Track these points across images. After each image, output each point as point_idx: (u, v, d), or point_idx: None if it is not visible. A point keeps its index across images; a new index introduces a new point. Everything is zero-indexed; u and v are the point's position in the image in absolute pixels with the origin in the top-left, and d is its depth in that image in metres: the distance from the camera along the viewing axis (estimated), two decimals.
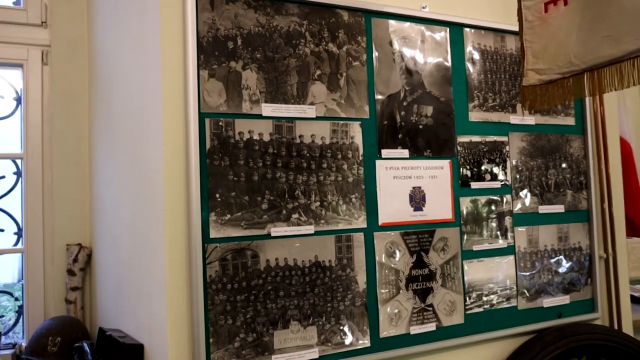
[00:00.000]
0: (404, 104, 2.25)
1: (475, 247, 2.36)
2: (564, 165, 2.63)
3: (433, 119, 2.31)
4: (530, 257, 2.49)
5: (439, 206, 2.29)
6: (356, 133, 2.14)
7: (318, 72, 2.09)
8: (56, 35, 2.82)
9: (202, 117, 1.88)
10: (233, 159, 1.91)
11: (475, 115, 2.41)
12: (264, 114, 1.98)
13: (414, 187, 2.24)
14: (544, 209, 2.55)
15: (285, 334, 1.94)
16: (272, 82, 2.01)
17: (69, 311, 2.65)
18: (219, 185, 1.88)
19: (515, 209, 2.47)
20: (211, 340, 1.82)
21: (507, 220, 2.46)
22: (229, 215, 1.88)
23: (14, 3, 2.86)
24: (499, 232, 2.43)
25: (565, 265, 2.58)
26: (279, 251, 1.96)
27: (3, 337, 2.60)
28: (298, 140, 2.03)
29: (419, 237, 2.23)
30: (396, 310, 2.15)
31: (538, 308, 2.49)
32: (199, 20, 1.90)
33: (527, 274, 2.48)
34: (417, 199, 2.24)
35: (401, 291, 2.17)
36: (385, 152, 2.19)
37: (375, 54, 2.21)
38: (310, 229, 2.01)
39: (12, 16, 2.79)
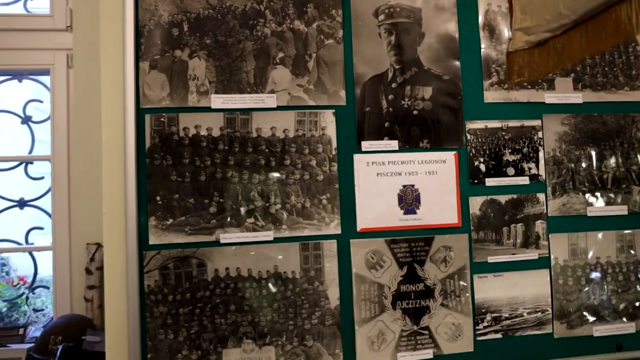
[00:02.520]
0: (393, 85, 1.88)
1: (491, 259, 1.90)
2: (628, 154, 2.03)
3: (433, 103, 1.90)
4: (574, 271, 1.96)
5: (440, 208, 1.88)
6: (328, 123, 1.83)
7: (280, 54, 1.82)
8: (79, 39, 2.88)
9: (141, 113, 1.72)
10: (176, 158, 1.73)
11: (493, 95, 1.95)
12: (214, 106, 1.76)
13: (404, 186, 1.86)
14: (595, 210, 1.99)
15: (236, 354, 1.72)
16: (225, 70, 1.79)
17: (87, 309, 2.69)
18: (160, 187, 1.71)
19: (551, 211, 1.96)
20: (149, 355, 1.67)
21: (539, 225, 1.95)
22: (171, 220, 1.71)
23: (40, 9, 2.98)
24: (527, 240, 1.94)
25: (629, 283, 1.99)
26: (230, 260, 1.74)
27: (31, 331, 2.73)
28: (255, 134, 1.78)
29: (411, 245, 1.85)
30: (379, 333, 1.81)
31: (585, 337, 1.95)
32: (139, 7, 1.74)
33: (569, 293, 1.95)
34: (409, 200, 1.86)
35: (386, 310, 1.82)
36: (366, 145, 1.84)
37: (354, 28, 1.87)
38: (268, 235, 1.76)
39: (41, 23, 2.91)
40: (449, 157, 1.90)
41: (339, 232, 1.81)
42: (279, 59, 1.82)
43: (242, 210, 1.76)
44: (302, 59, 1.83)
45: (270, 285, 1.76)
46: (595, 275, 1.97)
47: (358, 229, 1.82)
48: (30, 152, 3.02)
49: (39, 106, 3.07)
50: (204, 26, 1.78)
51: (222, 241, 1.73)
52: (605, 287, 1.98)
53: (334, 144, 1.83)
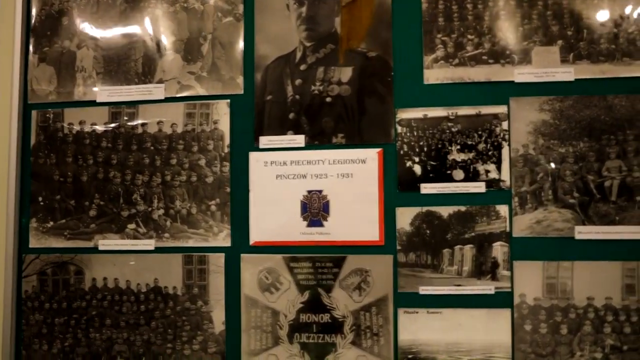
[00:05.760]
0: (301, 67, 1.53)
1: (425, 290, 1.45)
2: None
3: (352, 87, 1.51)
4: (551, 315, 1.41)
5: (355, 221, 1.48)
6: (221, 116, 1.55)
7: (172, 38, 1.59)
8: None
9: (28, 108, 1.64)
10: (60, 156, 1.61)
11: (437, 75, 1.48)
12: (99, 99, 1.61)
13: (309, 192, 1.51)
14: (589, 232, 1.40)
15: None
16: (113, 59, 1.62)
17: None
18: (44, 188, 1.61)
19: (518, 230, 1.43)
20: None
21: (498, 249, 1.44)
22: (51, 223, 1.60)
23: None
24: (479, 268, 1.44)
25: None
26: (109, 269, 1.58)
27: None
28: (140, 130, 1.59)
29: (315, 265, 1.49)
30: None
31: None
32: None
33: (541, 345, 1.41)
34: (315, 209, 1.50)
35: (281, 342, 1.49)
36: (264, 141, 1.53)
37: (257, 1, 1.56)
38: (149, 243, 1.56)
39: None
40: (371, 155, 1.49)
41: (229, 244, 1.53)
42: (170, 43, 1.59)
43: (124, 214, 1.57)
44: (195, 41, 1.58)
45: (149, 300, 1.55)
46: (585, 322, 1.40)
47: (251, 242, 1.52)
48: None
49: None
50: (92, 13, 1.63)
51: (100, 248, 1.57)
52: (603, 341, 1.39)
53: (227, 141, 1.55)
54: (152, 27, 1.60)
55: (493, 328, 1.43)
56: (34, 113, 1.63)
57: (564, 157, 1.42)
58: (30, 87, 1.64)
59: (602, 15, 1.44)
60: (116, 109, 1.60)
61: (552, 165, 1.42)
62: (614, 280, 1.40)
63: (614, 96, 1.41)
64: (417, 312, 1.45)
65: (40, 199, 1.61)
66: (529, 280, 1.42)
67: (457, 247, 1.45)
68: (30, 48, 1.65)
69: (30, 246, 1.60)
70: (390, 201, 1.47)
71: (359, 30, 1.50)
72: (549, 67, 1.44)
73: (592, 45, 1.43)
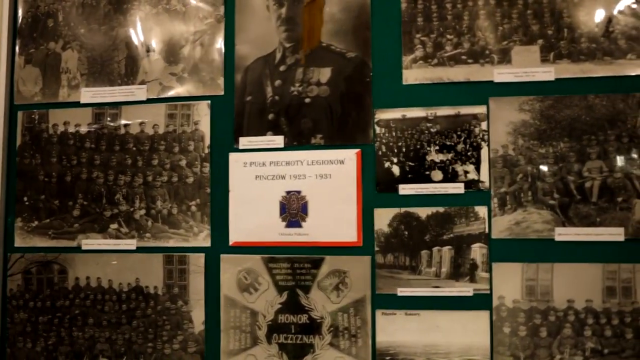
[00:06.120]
0: (281, 68, 1.53)
1: (403, 291, 1.44)
2: (629, 152, 1.38)
3: (331, 88, 1.50)
4: (530, 318, 1.39)
5: (333, 222, 1.48)
6: (202, 117, 1.56)
7: (154, 39, 1.60)
8: None
9: (15, 109, 1.66)
10: (45, 157, 1.63)
11: (416, 75, 1.47)
12: (83, 100, 1.63)
13: (288, 192, 1.51)
14: (568, 233, 1.38)
15: None
16: (96, 60, 1.63)
17: None
18: (29, 187, 1.63)
19: (498, 231, 1.41)
20: None
21: (477, 251, 1.42)
22: (36, 222, 1.62)
23: None
24: (457, 270, 1.43)
25: (623, 342, 1.35)
26: (92, 269, 1.59)
27: None
28: (123, 131, 1.60)
29: (293, 266, 1.49)
30: None
31: None
32: (18, 0, 1.68)
33: (520, 347, 1.39)
34: (293, 210, 1.50)
35: (259, 343, 1.50)
36: (244, 142, 1.53)
37: (238, 2, 1.57)
38: (131, 243, 1.57)
39: None
40: (349, 156, 1.48)
41: (209, 244, 1.53)
42: (152, 45, 1.60)
43: (106, 214, 1.59)
44: (177, 43, 1.59)
45: (130, 300, 1.56)
46: (565, 325, 1.38)
47: (230, 243, 1.52)
48: None
49: None
50: (78, 14, 1.65)
51: (83, 247, 1.59)
52: (583, 344, 1.37)
53: (207, 141, 1.55)
54: (135, 29, 1.62)
55: (471, 330, 1.42)
56: (19, 114, 1.65)
57: (544, 157, 1.41)
58: (17, 89, 1.66)
59: (583, 14, 1.41)
60: (99, 110, 1.62)
61: (532, 167, 1.41)
62: (595, 283, 1.37)
63: (594, 96, 1.39)
64: (395, 314, 1.45)
65: (25, 198, 1.63)
66: (508, 282, 1.41)
67: (435, 249, 1.44)
68: (17, 50, 1.67)
69: (16, 245, 1.63)
70: (369, 202, 1.47)
71: (316, 31, 1.50)
72: (529, 66, 1.42)
73: (572, 44, 1.41)
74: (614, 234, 1.37)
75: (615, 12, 1.40)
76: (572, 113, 1.40)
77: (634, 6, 1.39)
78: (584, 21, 1.41)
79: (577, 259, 1.38)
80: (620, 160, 1.37)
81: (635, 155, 1.37)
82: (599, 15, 1.41)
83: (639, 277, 1.35)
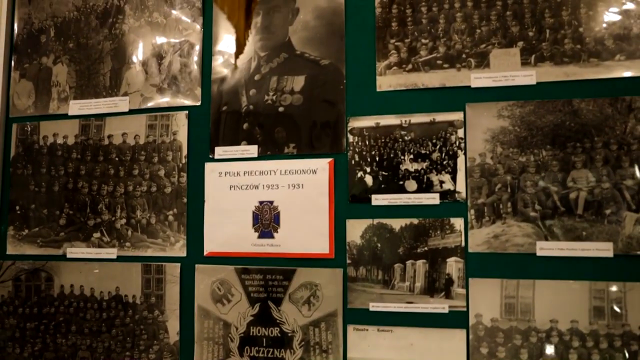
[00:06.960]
0: (256, 78, 1.52)
1: (375, 306, 1.39)
2: (617, 160, 1.27)
3: (304, 96, 1.48)
4: (510, 338, 1.30)
5: (305, 233, 1.44)
6: (180, 127, 1.57)
7: (136, 52, 1.63)
8: None
9: (10, 122, 1.73)
10: (36, 167, 1.69)
11: (389, 81, 1.42)
12: (70, 112, 1.67)
13: (261, 203, 1.49)
14: (551, 248, 1.29)
15: None
16: (84, 73, 1.68)
17: None
18: (21, 197, 1.69)
19: (475, 245, 1.33)
20: None
21: (453, 265, 1.35)
22: (26, 230, 1.68)
23: None
24: (432, 285, 1.36)
25: None
26: (76, 277, 1.62)
27: None
28: (106, 142, 1.63)
29: (266, 278, 1.47)
30: None
31: None
32: (15, 17, 1.76)
33: None
34: (266, 220, 1.48)
35: (232, 355, 1.48)
36: (219, 151, 1.53)
37: (215, 13, 1.57)
38: (112, 252, 1.59)
39: None
40: (321, 165, 1.45)
41: (184, 254, 1.53)
42: (134, 57, 1.63)
43: (90, 223, 1.62)
44: (157, 54, 1.61)
45: (110, 308, 1.58)
46: (548, 347, 1.28)
47: (205, 253, 1.52)
48: None
49: None
50: (68, 30, 1.71)
51: (68, 255, 1.63)
52: None
53: (184, 151, 1.56)
54: (119, 42, 1.65)
55: (447, 349, 1.34)
56: (14, 126, 1.72)
57: (525, 166, 1.32)
58: (12, 102, 1.73)
59: (567, 13, 1.32)
60: (85, 121, 1.66)
61: (512, 177, 1.32)
62: (581, 302, 1.27)
63: (579, 100, 1.30)
64: (367, 330, 1.39)
65: (17, 207, 1.69)
66: (485, 299, 1.32)
67: (409, 262, 1.38)
68: (12, 65, 1.74)
69: (8, 253, 1.68)
70: (341, 213, 1.42)
71: None
72: (508, 70, 1.34)
73: (555, 45, 1.32)
74: (602, 249, 1.26)
75: (602, 10, 1.30)
76: (555, 119, 1.31)
77: (623, 3, 1.29)
78: (568, 21, 1.32)
79: (561, 276, 1.28)
80: (608, 170, 1.27)
81: (624, 164, 1.26)
82: (583, 13, 1.31)
83: (630, 297, 1.24)
